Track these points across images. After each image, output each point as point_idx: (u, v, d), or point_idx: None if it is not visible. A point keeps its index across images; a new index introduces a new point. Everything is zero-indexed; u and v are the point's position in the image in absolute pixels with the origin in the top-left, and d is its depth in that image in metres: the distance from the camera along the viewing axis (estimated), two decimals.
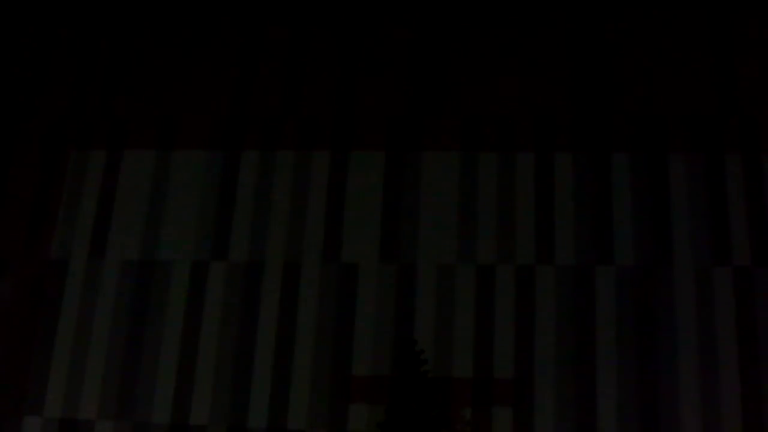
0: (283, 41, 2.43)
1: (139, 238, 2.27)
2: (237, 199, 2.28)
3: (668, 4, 2.34)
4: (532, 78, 2.30)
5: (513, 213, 2.19)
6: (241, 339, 2.16)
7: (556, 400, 2.04)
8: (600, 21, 2.34)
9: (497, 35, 2.36)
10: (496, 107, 2.29)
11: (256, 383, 2.12)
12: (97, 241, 2.28)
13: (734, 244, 2.11)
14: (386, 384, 2.09)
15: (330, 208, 2.24)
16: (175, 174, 2.32)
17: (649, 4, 2.34)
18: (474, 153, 2.25)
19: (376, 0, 2.44)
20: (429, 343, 2.10)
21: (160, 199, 2.30)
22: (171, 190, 2.31)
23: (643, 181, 2.18)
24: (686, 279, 2.09)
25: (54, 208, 2.32)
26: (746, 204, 2.13)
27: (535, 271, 2.14)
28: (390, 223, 2.21)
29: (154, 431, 2.11)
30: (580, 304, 2.10)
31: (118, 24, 2.50)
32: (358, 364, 2.11)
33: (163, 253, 2.25)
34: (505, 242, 2.17)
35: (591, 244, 2.14)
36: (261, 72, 2.40)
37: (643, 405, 2.01)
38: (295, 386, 2.11)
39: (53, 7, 2.54)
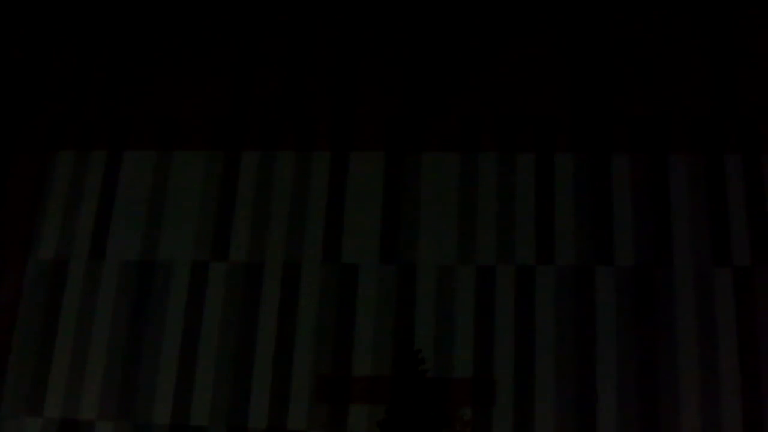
0: (283, 41, 2.43)
1: (139, 238, 2.27)
2: (237, 199, 2.28)
3: (668, 6, 2.34)
4: (532, 78, 2.30)
5: (513, 213, 2.19)
6: (241, 339, 2.16)
7: (556, 400, 2.03)
8: (600, 22, 2.34)
9: (497, 35, 2.36)
10: (496, 107, 2.29)
11: (256, 383, 2.12)
12: (97, 241, 2.28)
13: (734, 244, 2.11)
14: (386, 384, 2.09)
15: (330, 208, 2.24)
16: (175, 174, 2.32)
17: (650, 6, 2.34)
18: (474, 153, 2.25)
19: (376, 0, 2.44)
20: (429, 343, 2.10)
21: (160, 199, 2.30)
22: (171, 190, 2.31)
23: (643, 182, 2.18)
24: (686, 279, 2.09)
25: (54, 208, 2.32)
26: (746, 204, 2.13)
27: (535, 271, 2.14)
28: (390, 223, 2.21)
29: (154, 431, 2.11)
30: (580, 304, 2.10)
31: (118, 24, 2.50)
32: (358, 364, 2.11)
33: (163, 253, 2.25)
34: (505, 242, 2.16)
35: (591, 244, 2.14)
36: (261, 72, 2.40)
37: (643, 405, 2.01)
38: (295, 386, 2.11)
39: (53, 8, 2.54)
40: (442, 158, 2.26)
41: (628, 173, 2.19)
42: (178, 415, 2.11)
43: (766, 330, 2.03)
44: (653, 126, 2.22)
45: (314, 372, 2.11)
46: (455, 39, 2.37)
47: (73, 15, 2.53)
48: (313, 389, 2.10)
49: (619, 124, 2.24)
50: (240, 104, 2.37)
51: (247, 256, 2.22)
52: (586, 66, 2.30)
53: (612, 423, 2.00)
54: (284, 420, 2.08)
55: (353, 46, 2.40)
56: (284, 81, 2.38)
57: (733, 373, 2.01)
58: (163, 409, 2.12)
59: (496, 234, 2.17)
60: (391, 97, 2.33)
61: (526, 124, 2.26)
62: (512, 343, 2.09)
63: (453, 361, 2.09)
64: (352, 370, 2.10)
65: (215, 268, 2.22)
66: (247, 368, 2.13)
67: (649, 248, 2.12)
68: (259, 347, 2.15)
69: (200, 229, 2.26)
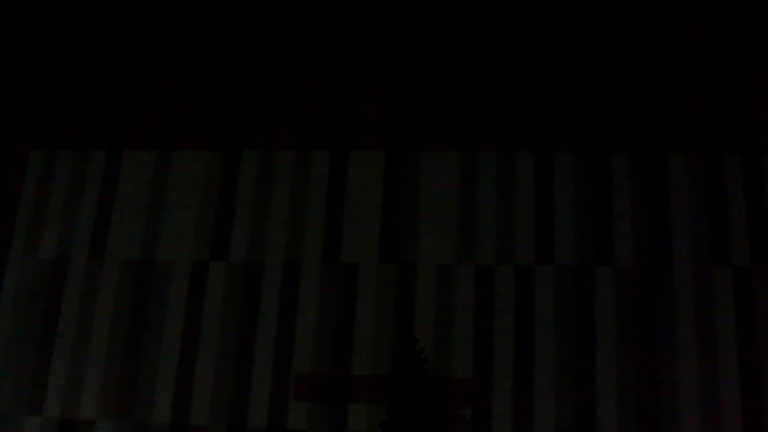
0: (283, 41, 2.43)
1: (139, 238, 2.27)
2: (237, 199, 2.28)
3: (668, 5, 2.34)
4: (532, 78, 2.30)
5: (513, 213, 2.19)
6: (241, 339, 2.16)
7: (555, 400, 2.04)
8: (600, 21, 2.34)
9: (497, 35, 2.36)
10: (496, 107, 2.29)
11: (256, 383, 2.12)
12: (97, 241, 2.28)
13: (734, 244, 2.11)
14: (386, 384, 2.09)
15: (330, 208, 2.25)
16: (175, 174, 2.32)
17: (649, 5, 2.34)
18: (474, 153, 2.25)
19: (376, 0, 2.44)
20: (429, 343, 2.10)
21: (160, 199, 2.30)
22: (171, 190, 2.31)
23: (643, 181, 2.18)
24: (686, 279, 2.09)
25: (54, 208, 2.32)
26: (746, 204, 2.14)
27: (535, 271, 2.14)
28: (390, 223, 2.22)
29: (154, 431, 2.11)
30: (580, 304, 2.10)
31: (118, 24, 2.50)
32: (358, 364, 2.11)
33: (163, 253, 2.25)
34: (505, 242, 2.17)
35: (591, 244, 2.14)
36: (261, 72, 2.40)
37: (643, 405, 2.01)
38: (294, 386, 2.11)
39: (53, 7, 2.54)
40: (442, 158, 2.26)
41: (628, 173, 2.19)
42: (178, 415, 2.11)
43: (766, 330, 2.03)
44: (653, 126, 2.22)
45: (313, 372, 2.11)
46: (455, 39, 2.37)
47: (74, 15, 2.53)
48: (311, 388, 2.10)
49: (618, 123, 2.24)
50: (240, 104, 2.37)
51: (247, 256, 2.22)
52: (585, 66, 2.30)
53: (612, 423, 2.01)
54: (284, 420, 2.09)
55: (353, 45, 2.40)
56: (284, 81, 2.38)
57: (733, 373, 2.01)
58: (163, 409, 2.12)
59: (496, 234, 2.18)
60: (391, 97, 2.33)
61: (526, 124, 2.26)
62: (512, 342, 2.09)
63: (453, 361, 2.09)
64: (352, 370, 2.10)
65: (215, 268, 2.22)
66: (247, 368, 2.13)
67: (649, 248, 2.12)
68: (259, 347, 2.15)
69: (200, 229, 2.26)
